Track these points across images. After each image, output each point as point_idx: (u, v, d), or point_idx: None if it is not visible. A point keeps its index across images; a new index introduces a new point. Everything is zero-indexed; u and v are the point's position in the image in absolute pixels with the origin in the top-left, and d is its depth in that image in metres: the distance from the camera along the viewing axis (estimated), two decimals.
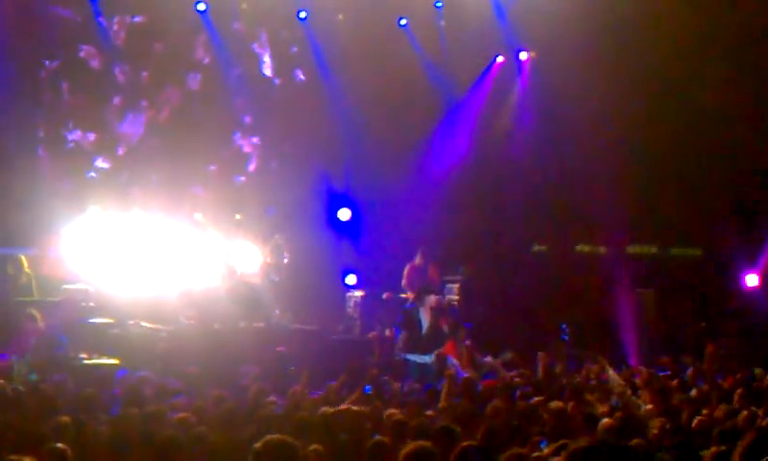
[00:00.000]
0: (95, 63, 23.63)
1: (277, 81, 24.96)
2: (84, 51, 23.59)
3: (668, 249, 25.06)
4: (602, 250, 24.23)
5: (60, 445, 8.71)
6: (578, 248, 25.06)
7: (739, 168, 23.74)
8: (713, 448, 9.28)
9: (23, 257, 21.07)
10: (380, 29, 24.98)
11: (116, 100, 23.81)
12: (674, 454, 9.83)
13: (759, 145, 23.19)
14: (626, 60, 23.63)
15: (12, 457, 6.13)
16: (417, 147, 25.16)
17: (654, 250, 25.18)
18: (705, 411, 12.68)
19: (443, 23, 25.61)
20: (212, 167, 24.59)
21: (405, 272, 22.10)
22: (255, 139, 24.79)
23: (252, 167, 24.88)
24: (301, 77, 24.99)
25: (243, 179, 25.00)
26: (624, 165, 23.85)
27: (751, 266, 24.31)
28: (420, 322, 20.95)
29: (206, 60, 24.47)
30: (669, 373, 18.93)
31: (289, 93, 24.97)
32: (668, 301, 24.45)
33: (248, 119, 24.94)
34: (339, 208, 25.23)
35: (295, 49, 24.93)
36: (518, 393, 15.29)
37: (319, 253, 24.42)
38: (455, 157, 25.18)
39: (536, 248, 25.15)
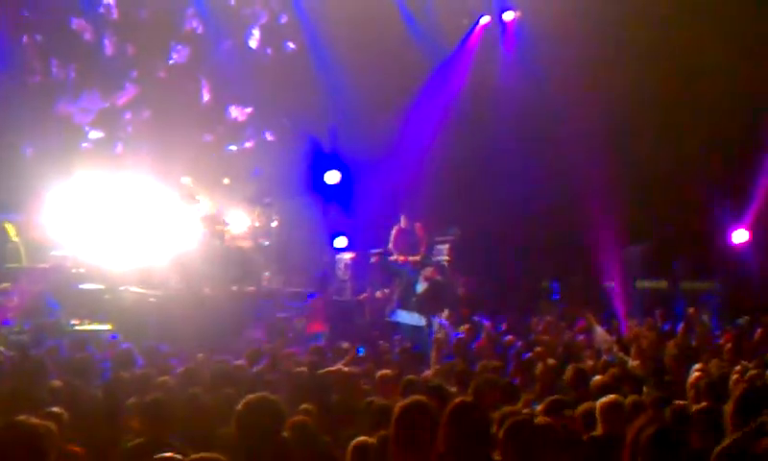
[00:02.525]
0: (87, 36, 23.55)
1: (269, 51, 24.83)
2: (76, 24, 23.52)
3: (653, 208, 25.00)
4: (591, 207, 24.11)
5: (55, 408, 8.72)
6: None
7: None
8: (703, 403, 9.34)
9: (10, 224, 21.02)
10: None
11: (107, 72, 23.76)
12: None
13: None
14: (614, 24, 23.54)
15: (21, 417, 6.13)
16: (404, 109, 25.14)
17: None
18: (698, 367, 12.72)
19: None
20: (207, 138, 24.54)
21: (392, 234, 22.14)
22: (249, 110, 24.70)
23: (249, 140, 24.85)
24: (291, 46, 24.87)
25: (235, 148, 24.99)
26: (611, 124, 23.82)
27: (738, 221, 24.30)
28: (414, 285, 20.97)
29: (199, 29, 24.36)
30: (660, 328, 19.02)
31: (279, 63, 24.87)
32: (657, 257, 24.44)
33: (239, 90, 24.87)
34: (327, 171, 25.20)
35: (284, 19, 24.76)
36: (512, 351, 15.37)
37: (308, 216, 24.42)
38: (442, 117, 25.14)
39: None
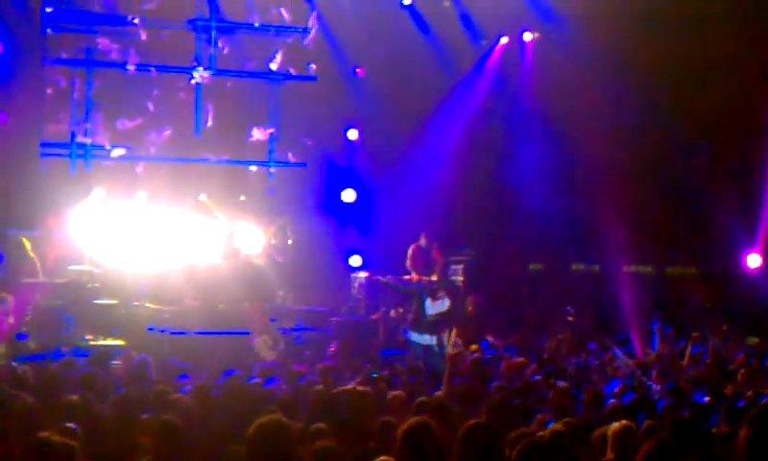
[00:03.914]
0: (113, 55, 23.65)
1: (293, 74, 24.87)
2: (102, 42, 23.62)
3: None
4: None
5: (70, 424, 8.72)
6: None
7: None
8: (722, 427, 9.30)
9: (26, 240, 21.05)
10: (384, 10, 24.97)
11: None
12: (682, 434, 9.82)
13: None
14: (632, 45, 23.52)
15: (44, 435, 6.22)
16: (422, 129, 25.16)
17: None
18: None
19: (446, 3, 25.59)
20: (225, 158, 24.58)
21: (409, 253, 22.10)
22: (271, 130, 24.72)
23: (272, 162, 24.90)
24: (313, 67, 24.89)
25: (255, 169, 25.03)
26: (629, 144, 23.79)
27: (751, 245, 24.23)
28: (423, 305, 20.91)
29: (225, 51, 24.42)
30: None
31: (300, 85, 24.92)
32: (672, 281, 24.40)
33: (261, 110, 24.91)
34: (344, 190, 25.23)
35: (306, 41, 24.77)
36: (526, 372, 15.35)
37: (323, 234, 24.44)
38: (460, 138, 25.15)
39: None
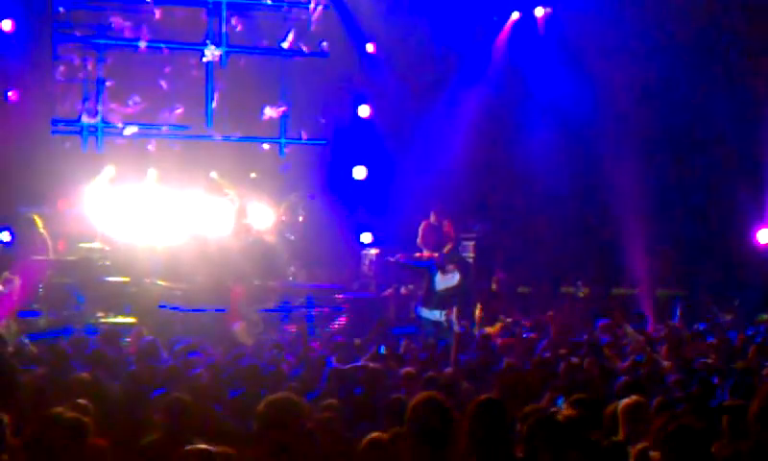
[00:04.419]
0: (126, 33, 23.62)
1: (305, 51, 24.81)
2: (115, 21, 23.62)
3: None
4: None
5: (81, 400, 8.74)
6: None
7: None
8: (729, 401, 9.28)
9: (38, 217, 21.08)
10: None
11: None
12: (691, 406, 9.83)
13: None
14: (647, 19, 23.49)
15: (57, 410, 6.26)
16: (432, 105, 25.11)
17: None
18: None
19: None
20: (237, 135, 24.56)
21: (420, 230, 22.09)
22: (284, 108, 24.68)
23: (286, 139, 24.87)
24: (324, 46, 24.85)
25: (267, 147, 25.00)
26: (644, 124, 23.73)
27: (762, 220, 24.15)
28: (433, 280, 20.92)
29: (238, 28, 24.38)
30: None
31: (312, 62, 24.88)
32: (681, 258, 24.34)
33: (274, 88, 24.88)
34: (354, 167, 25.21)
35: (317, 17, 24.70)
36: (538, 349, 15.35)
37: (334, 211, 24.43)
38: (472, 115, 25.09)
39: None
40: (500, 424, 6.64)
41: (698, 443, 6.55)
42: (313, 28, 24.69)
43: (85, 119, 23.41)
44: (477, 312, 20.02)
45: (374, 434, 7.72)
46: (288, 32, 24.58)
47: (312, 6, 24.48)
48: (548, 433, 6.50)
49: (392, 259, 22.60)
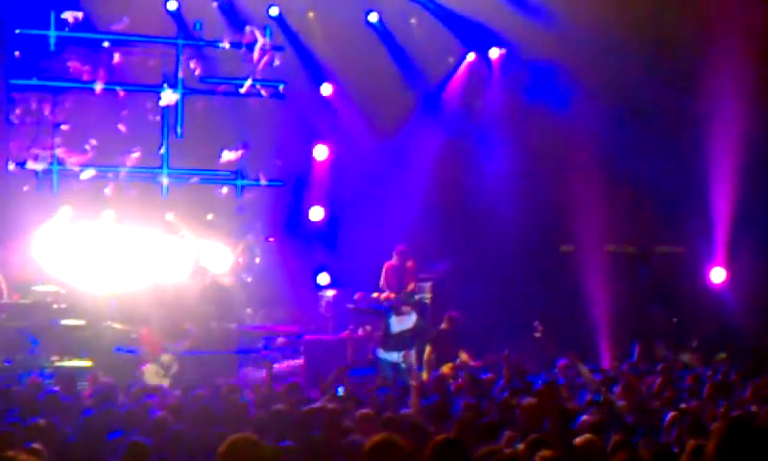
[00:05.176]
0: (85, 77, 23.52)
1: (262, 95, 24.77)
2: (73, 65, 23.51)
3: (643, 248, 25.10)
4: (575, 248, 24.17)
5: (36, 445, 8.67)
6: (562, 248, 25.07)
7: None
8: (692, 442, 9.30)
9: None
10: (352, 28, 25.03)
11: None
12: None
13: None
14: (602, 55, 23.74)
15: (10, 454, 6.18)
16: (391, 145, 25.20)
17: (630, 249, 25.22)
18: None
19: (412, 21, 25.66)
20: (193, 180, 24.46)
21: (383, 272, 22.07)
22: (241, 152, 24.59)
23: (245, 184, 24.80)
24: (280, 90, 24.84)
25: (226, 190, 24.90)
26: (599, 165, 23.91)
27: (715, 260, 24.36)
28: (389, 323, 20.90)
29: (196, 71, 24.34)
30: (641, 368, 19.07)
31: (270, 105, 24.87)
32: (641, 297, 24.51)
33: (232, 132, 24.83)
34: (312, 207, 25.21)
35: (276, 63, 24.71)
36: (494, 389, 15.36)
37: (291, 252, 24.40)
38: (429, 153, 25.21)
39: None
40: None
41: None
42: (271, 69, 24.66)
43: (41, 162, 23.22)
44: (427, 353, 20.09)
45: None
46: (246, 75, 24.53)
47: (269, 47, 24.47)
48: None
49: (350, 306, 22.56)
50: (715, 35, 22.68)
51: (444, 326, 21.15)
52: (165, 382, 17.87)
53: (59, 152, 23.20)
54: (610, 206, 23.52)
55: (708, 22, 22.74)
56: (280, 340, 21.97)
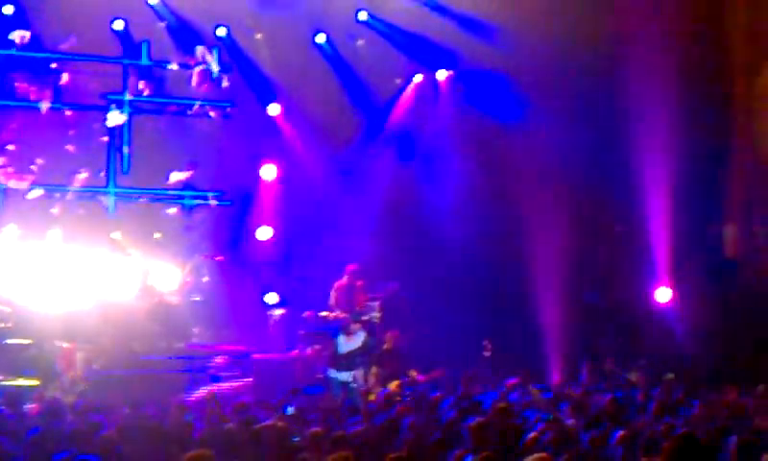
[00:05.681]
0: (32, 97, 23.35)
1: (211, 116, 24.70)
2: (20, 86, 23.35)
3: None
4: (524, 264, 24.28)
5: None
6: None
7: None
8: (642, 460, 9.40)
9: None
10: (298, 47, 25.10)
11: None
12: None
13: None
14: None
15: None
16: (339, 165, 25.27)
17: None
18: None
19: (360, 42, 25.75)
20: (141, 199, 24.33)
21: (332, 292, 22.08)
22: (190, 172, 24.48)
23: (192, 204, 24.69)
24: (229, 107, 24.79)
25: (174, 210, 24.78)
26: (549, 177, 24.08)
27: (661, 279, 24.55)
28: (337, 343, 20.91)
29: (145, 92, 24.23)
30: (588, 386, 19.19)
31: (218, 125, 24.82)
32: (588, 315, 24.65)
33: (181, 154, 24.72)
34: (259, 227, 25.16)
35: (224, 84, 24.67)
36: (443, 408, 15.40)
37: (239, 272, 24.35)
38: (377, 172, 25.30)
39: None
40: None
41: None
42: (218, 90, 24.61)
43: None
44: (373, 373, 20.13)
45: None
46: (194, 95, 24.46)
47: (216, 68, 24.44)
48: None
49: (301, 332, 22.60)
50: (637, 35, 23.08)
51: (387, 345, 21.17)
52: (68, 399, 17.74)
53: (4, 172, 23.00)
54: (559, 220, 23.66)
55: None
56: (224, 359, 21.88)
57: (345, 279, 22.03)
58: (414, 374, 20.24)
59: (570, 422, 14.41)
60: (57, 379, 19.32)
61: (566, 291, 23.99)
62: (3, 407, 14.48)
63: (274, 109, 25.35)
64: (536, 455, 9.29)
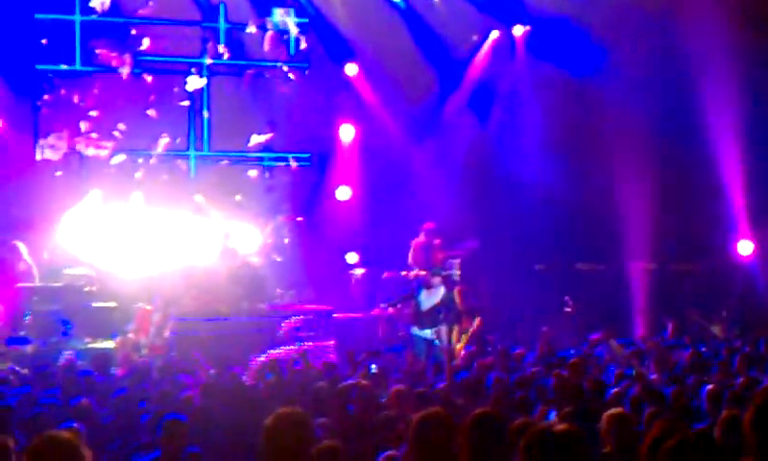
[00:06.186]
0: (114, 63, 23.58)
1: (290, 78, 24.78)
2: (101, 52, 23.56)
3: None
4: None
5: (74, 425, 8.76)
6: None
7: None
8: (725, 413, 9.30)
9: (22, 244, 21.09)
10: (374, 5, 25.05)
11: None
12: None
13: None
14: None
15: (51, 432, 6.28)
16: (417, 122, 25.22)
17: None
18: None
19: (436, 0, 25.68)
20: (222, 162, 24.52)
21: (411, 250, 22.12)
22: (270, 134, 24.61)
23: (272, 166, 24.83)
24: (308, 69, 24.85)
25: (255, 173, 24.92)
26: (633, 131, 23.86)
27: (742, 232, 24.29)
28: (419, 300, 20.94)
29: (226, 56, 24.37)
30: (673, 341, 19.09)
31: (296, 87, 24.90)
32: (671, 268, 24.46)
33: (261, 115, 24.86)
34: (339, 186, 25.22)
35: (302, 46, 24.74)
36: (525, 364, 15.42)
37: (320, 232, 24.44)
38: (456, 130, 25.23)
39: None
40: (498, 438, 6.66)
41: (696, 457, 6.55)
42: (296, 51, 24.69)
43: (70, 148, 23.30)
44: (455, 329, 20.08)
45: (390, 453, 7.74)
46: (272, 57, 24.55)
47: (295, 30, 24.51)
48: (547, 447, 6.49)
49: (384, 276, 22.68)
50: None
51: (459, 301, 21.08)
52: (134, 356, 17.96)
53: (87, 138, 23.27)
54: (639, 174, 23.46)
55: None
56: (306, 319, 21.99)
57: (422, 238, 22.04)
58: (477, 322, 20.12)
59: (654, 376, 14.37)
60: (133, 340, 19.53)
61: (648, 244, 23.82)
62: (91, 369, 14.69)
63: (351, 69, 25.35)
64: (618, 409, 9.25)
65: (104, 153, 23.26)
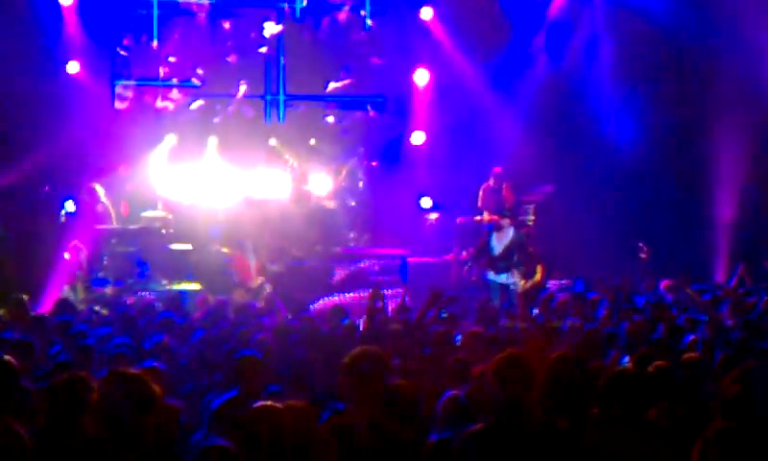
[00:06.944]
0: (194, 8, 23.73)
1: (368, 24, 24.78)
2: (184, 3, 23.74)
3: None
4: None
5: (153, 363, 8.89)
6: None
7: None
8: None
9: (100, 187, 21.35)
10: None
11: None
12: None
13: None
14: None
15: (128, 370, 6.43)
16: (490, 68, 25.06)
17: None
18: None
19: None
20: (299, 107, 24.63)
21: (480, 193, 22.12)
22: (347, 81, 24.65)
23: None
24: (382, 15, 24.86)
25: (332, 119, 24.98)
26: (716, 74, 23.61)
27: None
28: (491, 244, 20.88)
29: (304, 2, 24.41)
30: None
31: (371, 33, 24.90)
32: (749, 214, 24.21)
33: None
34: (413, 132, 25.18)
35: None
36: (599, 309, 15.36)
37: (393, 176, 24.45)
38: (529, 76, 25.06)
39: None
40: (577, 380, 6.70)
41: None
42: None
43: (137, 98, 23.49)
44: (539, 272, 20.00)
45: (453, 393, 7.79)
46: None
47: None
48: (626, 388, 6.52)
49: (458, 221, 22.69)
50: None
51: (545, 248, 21.03)
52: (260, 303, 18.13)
53: (153, 89, 23.47)
54: (721, 118, 23.22)
55: None
56: (380, 263, 22.07)
57: (491, 182, 22.06)
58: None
59: (729, 322, 14.27)
60: (240, 288, 19.69)
61: (727, 189, 23.58)
62: (170, 310, 14.87)
63: (426, 13, 25.24)
64: (693, 354, 9.24)
65: (171, 105, 23.44)
